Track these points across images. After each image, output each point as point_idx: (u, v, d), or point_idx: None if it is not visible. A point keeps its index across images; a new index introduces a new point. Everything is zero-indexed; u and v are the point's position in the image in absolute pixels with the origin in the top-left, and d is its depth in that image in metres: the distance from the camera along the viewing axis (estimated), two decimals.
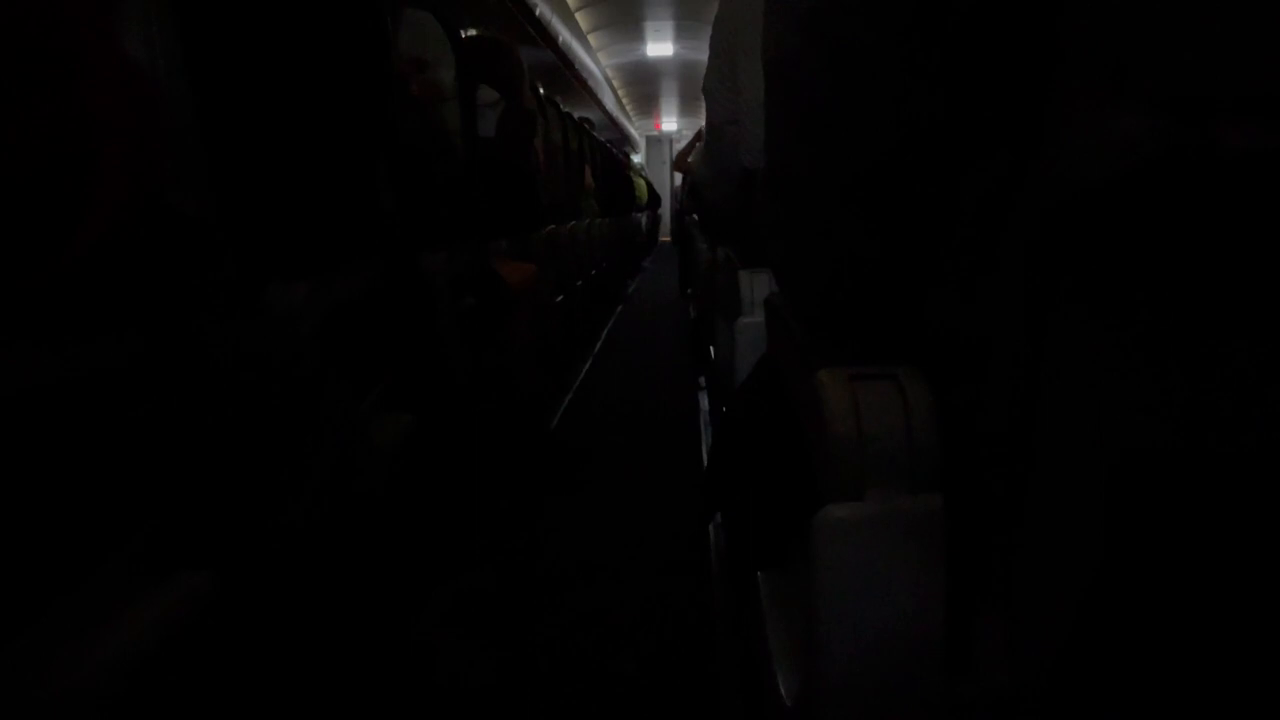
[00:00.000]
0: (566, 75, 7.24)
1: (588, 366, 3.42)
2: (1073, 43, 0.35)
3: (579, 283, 3.61)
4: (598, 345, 3.85)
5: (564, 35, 6.50)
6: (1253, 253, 0.35)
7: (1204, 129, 0.29)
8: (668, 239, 11.15)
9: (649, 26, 8.90)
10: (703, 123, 2.03)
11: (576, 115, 4.43)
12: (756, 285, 1.31)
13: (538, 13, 5.64)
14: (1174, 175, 0.31)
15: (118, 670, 0.54)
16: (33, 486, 0.53)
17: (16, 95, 0.51)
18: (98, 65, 0.56)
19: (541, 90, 3.36)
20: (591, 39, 8.57)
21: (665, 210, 11.63)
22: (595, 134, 5.33)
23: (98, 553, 0.57)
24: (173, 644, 0.58)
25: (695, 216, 2.50)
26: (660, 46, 9.51)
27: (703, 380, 2.88)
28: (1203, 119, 0.29)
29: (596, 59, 9.04)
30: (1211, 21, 0.27)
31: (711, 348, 2.08)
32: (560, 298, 3.17)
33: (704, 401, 2.71)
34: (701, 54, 2.15)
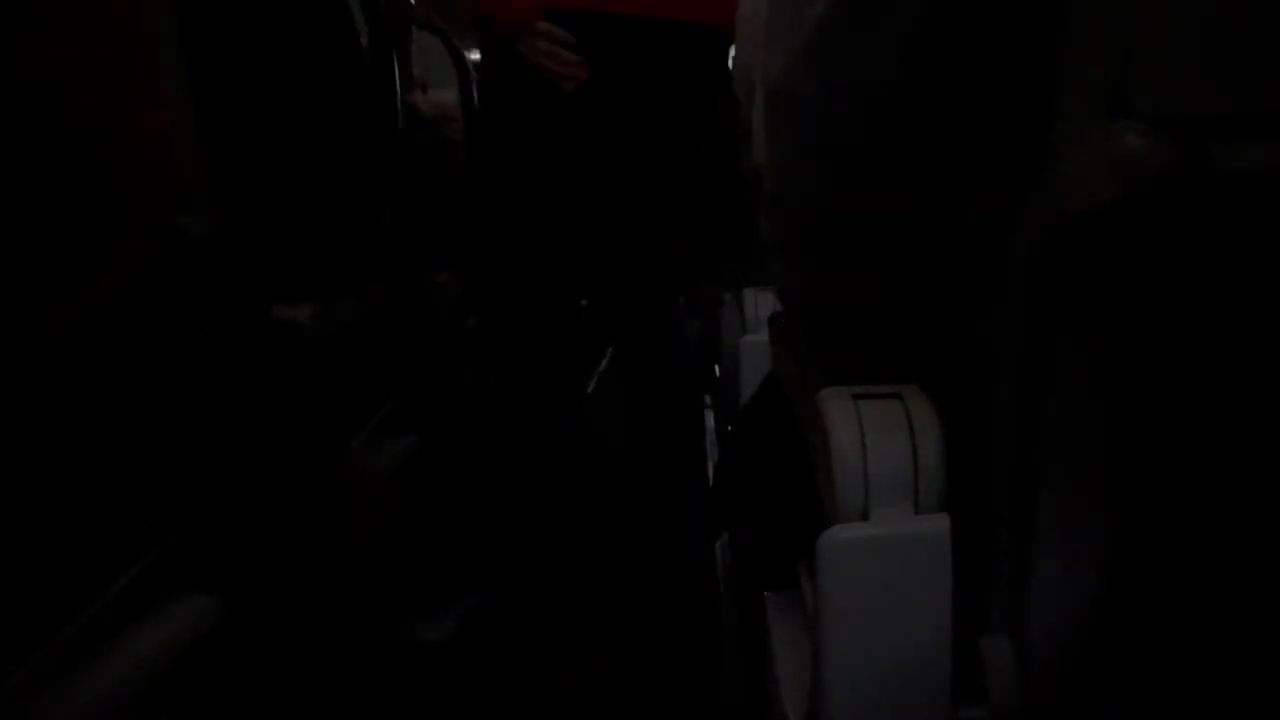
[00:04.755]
0: None
1: (594, 384, 3.42)
2: (1072, 65, 0.35)
3: (585, 301, 3.61)
4: (604, 363, 3.86)
5: None
6: (1256, 272, 0.35)
7: (1203, 149, 0.29)
8: None
9: None
10: None
11: None
12: (761, 303, 1.31)
13: None
14: (1174, 195, 0.31)
15: (125, 694, 0.54)
16: (41, 510, 0.53)
17: (43, 139, 0.52)
18: (120, 104, 0.57)
19: None
20: None
21: None
22: None
23: (105, 575, 0.57)
24: (180, 667, 0.58)
25: None
26: None
27: (708, 398, 2.88)
28: (1202, 139, 0.29)
29: None
30: (1209, 43, 0.28)
31: (716, 365, 2.08)
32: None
33: (709, 419, 2.71)
34: None
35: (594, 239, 1.21)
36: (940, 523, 0.44)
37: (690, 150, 1.23)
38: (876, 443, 0.45)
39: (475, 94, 2.02)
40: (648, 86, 1.17)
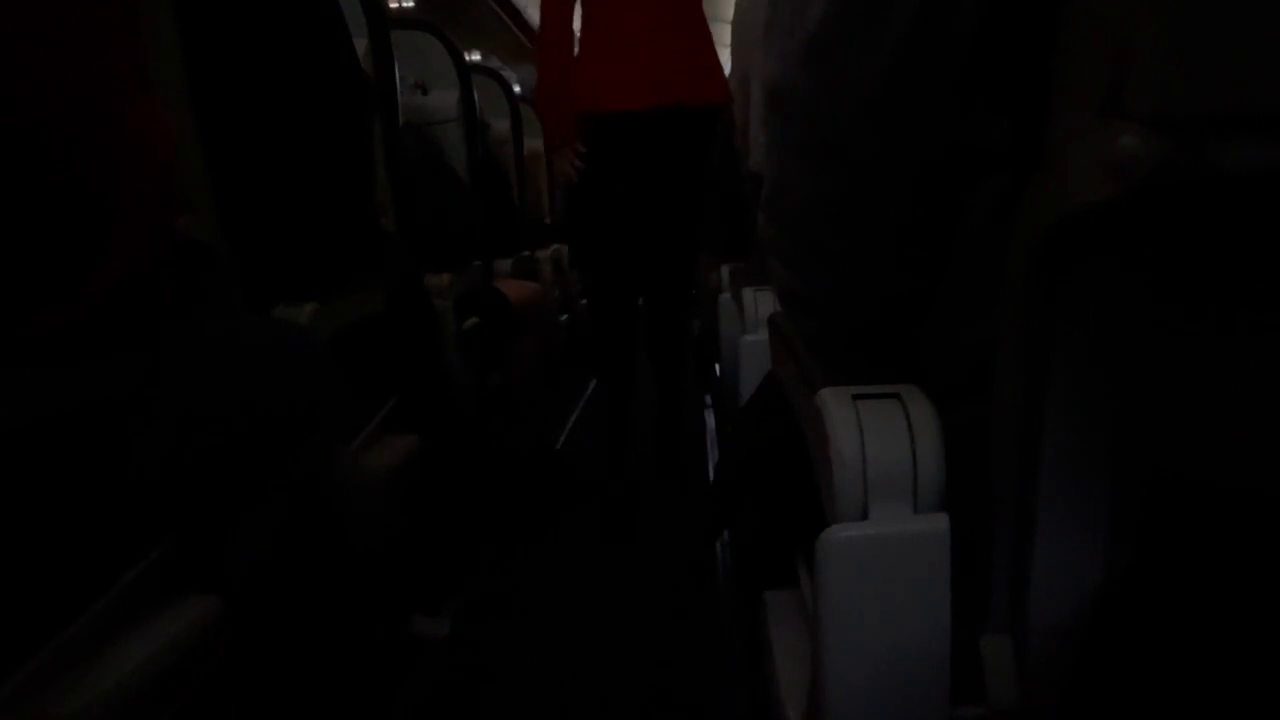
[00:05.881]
0: None
1: (594, 384, 3.42)
2: (1068, 66, 0.36)
3: (584, 301, 3.61)
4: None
5: None
6: (1254, 270, 0.35)
7: (1199, 149, 0.29)
8: None
9: None
10: None
11: None
12: (760, 303, 1.31)
13: None
14: (1172, 194, 0.31)
15: (127, 694, 0.54)
16: (41, 510, 0.53)
17: (44, 140, 0.52)
18: (121, 106, 0.57)
19: None
20: None
21: None
22: None
23: (108, 575, 0.57)
24: (183, 666, 0.58)
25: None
26: None
27: (708, 398, 2.88)
28: (1198, 138, 0.29)
29: None
30: (1204, 44, 0.28)
31: (716, 365, 2.08)
32: (565, 316, 3.17)
33: (710, 419, 2.71)
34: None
35: (640, 245, 1.86)
36: (939, 522, 0.44)
37: (698, 190, 1.81)
38: (876, 442, 0.45)
39: (476, 97, 2.02)
40: (665, 152, 1.76)
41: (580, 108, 1.72)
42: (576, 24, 1.77)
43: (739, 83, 1.48)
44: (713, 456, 2.37)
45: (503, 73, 3.04)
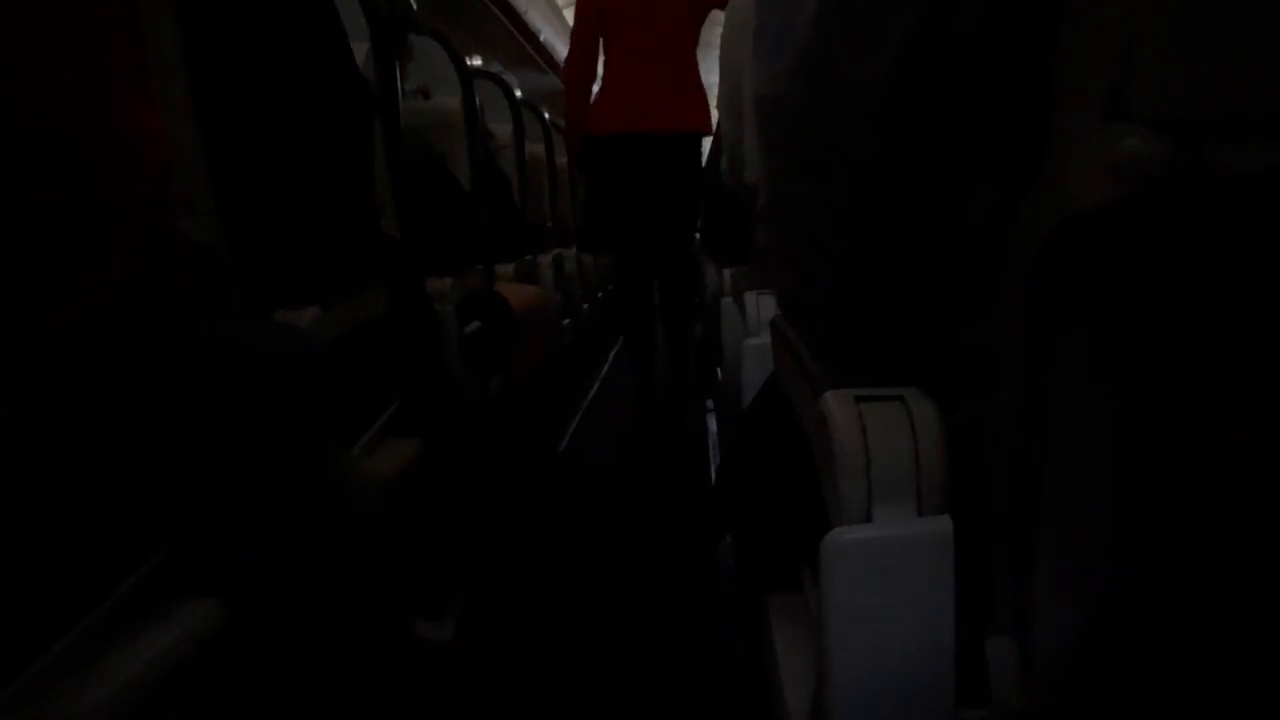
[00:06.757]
0: None
1: (596, 388, 3.42)
2: (1070, 67, 0.35)
3: (586, 305, 3.62)
4: (605, 367, 3.85)
5: None
6: (1257, 271, 0.35)
7: (1202, 150, 0.29)
8: None
9: None
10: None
11: None
12: (762, 306, 1.31)
13: (542, 38, 5.69)
14: (1175, 196, 0.31)
15: (129, 698, 0.53)
16: (44, 513, 0.53)
17: (44, 140, 0.52)
18: (121, 106, 0.57)
19: (547, 115, 3.39)
20: None
21: None
22: None
23: (108, 578, 0.57)
24: (184, 669, 0.58)
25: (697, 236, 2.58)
26: None
27: (710, 402, 2.88)
28: (1200, 140, 0.29)
29: None
30: (1206, 46, 0.28)
31: (718, 369, 2.08)
32: (567, 320, 3.18)
33: (712, 423, 2.71)
34: (706, 75, 2.32)
35: (651, 239, 2.50)
36: (943, 524, 0.44)
37: (693, 197, 2.43)
38: (879, 445, 0.45)
39: (478, 101, 2.02)
40: (645, 163, 2.40)
41: (588, 133, 2.44)
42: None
43: (729, 95, 1.47)
44: (715, 459, 2.37)
45: (504, 77, 3.04)
